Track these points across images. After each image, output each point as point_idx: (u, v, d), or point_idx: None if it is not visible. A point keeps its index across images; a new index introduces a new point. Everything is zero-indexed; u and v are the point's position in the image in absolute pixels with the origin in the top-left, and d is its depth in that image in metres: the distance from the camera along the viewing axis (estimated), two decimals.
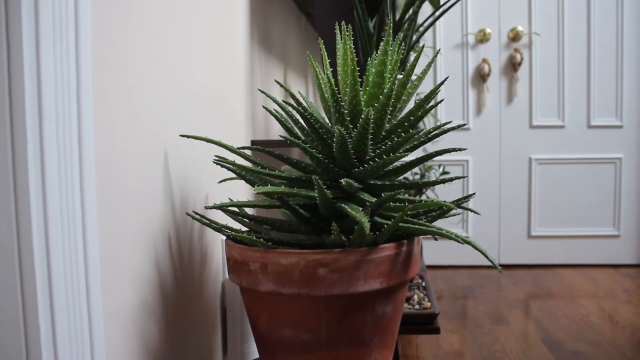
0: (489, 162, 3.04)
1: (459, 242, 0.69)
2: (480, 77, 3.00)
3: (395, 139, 0.75)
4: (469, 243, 0.70)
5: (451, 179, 0.76)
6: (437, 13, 1.47)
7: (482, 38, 2.98)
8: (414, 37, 1.47)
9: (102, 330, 0.60)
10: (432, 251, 3.05)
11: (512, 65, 2.97)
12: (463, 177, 0.74)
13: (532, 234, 3.02)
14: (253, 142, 1.26)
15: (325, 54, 0.80)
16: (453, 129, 0.76)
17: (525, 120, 3.00)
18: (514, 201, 3.04)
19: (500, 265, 3.05)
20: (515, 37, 2.96)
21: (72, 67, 0.55)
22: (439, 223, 2.96)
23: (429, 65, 0.79)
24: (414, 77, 1.10)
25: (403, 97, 0.78)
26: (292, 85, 1.85)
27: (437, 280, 2.77)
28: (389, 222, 0.69)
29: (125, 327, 0.69)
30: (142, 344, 0.73)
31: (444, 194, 2.93)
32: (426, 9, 2.76)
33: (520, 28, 2.96)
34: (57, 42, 0.53)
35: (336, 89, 0.72)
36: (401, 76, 0.76)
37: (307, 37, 2.16)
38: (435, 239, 0.86)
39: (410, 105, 1.93)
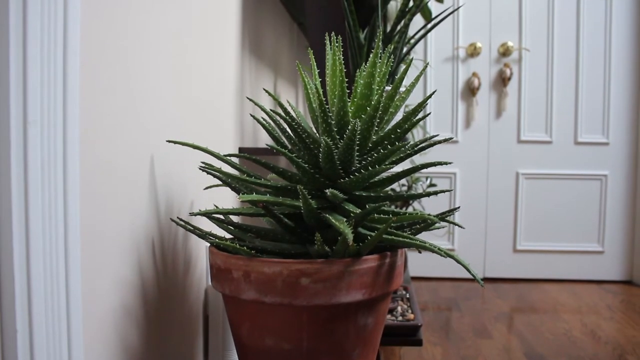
0: (477, 176, 3.06)
1: (441, 255, 0.70)
2: (470, 90, 3.02)
3: (382, 150, 0.75)
4: (451, 257, 0.70)
5: (436, 192, 0.77)
6: (429, 26, 1.48)
7: (473, 52, 3.01)
8: (405, 49, 1.48)
9: (82, 335, 0.59)
10: (417, 263, 3.05)
11: (502, 80, 2.99)
12: (449, 191, 0.75)
13: (518, 248, 3.04)
14: (241, 150, 1.26)
15: (315, 64, 0.80)
16: (440, 142, 0.77)
17: (514, 135, 3.03)
18: (501, 215, 3.05)
19: (485, 278, 3.06)
20: (505, 52, 2.99)
21: (59, 69, 0.55)
22: (426, 235, 2.97)
23: (417, 79, 0.79)
24: (402, 89, 1.11)
25: (390, 110, 0.79)
26: (282, 94, 1.85)
27: (421, 292, 2.78)
28: (373, 234, 0.69)
29: (106, 333, 0.68)
30: (122, 350, 0.72)
31: (430, 206, 2.94)
32: (418, 20, 2.78)
33: (510, 43, 2.99)
34: (44, 42, 0.53)
35: (324, 99, 0.72)
36: (389, 88, 0.76)
37: (299, 45, 2.17)
38: (419, 252, 0.86)
39: (399, 116, 1.94)
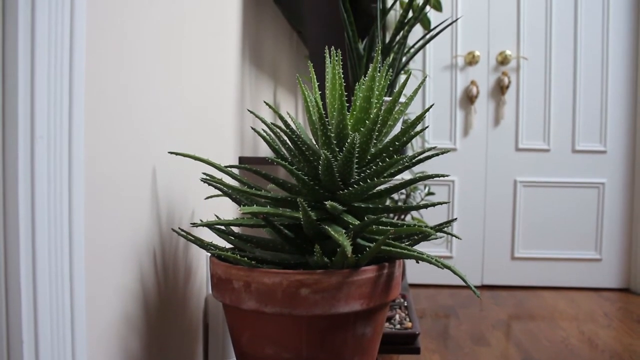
0: (475, 183, 3.07)
1: (438, 266, 0.71)
2: (469, 98, 3.04)
3: (380, 163, 0.77)
4: (448, 268, 0.71)
5: (434, 204, 0.78)
6: (427, 37, 1.50)
7: (471, 60, 3.03)
8: (404, 60, 1.49)
9: (85, 345, 0.61)
10: (415, 270, 3.06)
11: (500, 88, 3.01)
12: (446, 203, 0.76)
13: (516, 255, 3.05)
14: (241, 159, 1.27)
15: (315, 77, 0.82)
16: (437, 154, 0.78)
17: (512, 143, 3.04)
18: (499, 222, 3.06)
19: (483, 285, 3.07)
20: (503, 60, 3.01)
21: (65, 84, 0.56)
22: (424, 242, 2.97)
23: (415, 91, 0.81)
24: (402, 99, 1.12)
25: (389, 122, 0.80)
26: (282, 102, 1.87)
27: (419, 299, 2.78)
28: (372, 245, 0.70)
29: (109, 342, 0.69)
30: (124, 358, 0.73)
31: (429, 212, 2.95)
32: (417, 29, 2.80)
33: (508, 52, 3.01)
34: (51, 59, 0.54)
35: (324, 112, 0.74)
36: (389, 98, 0.78)
37: (299, 54, 2.19)
38: (417, 262, 0.87)
39: (398, 127, 1.94)
